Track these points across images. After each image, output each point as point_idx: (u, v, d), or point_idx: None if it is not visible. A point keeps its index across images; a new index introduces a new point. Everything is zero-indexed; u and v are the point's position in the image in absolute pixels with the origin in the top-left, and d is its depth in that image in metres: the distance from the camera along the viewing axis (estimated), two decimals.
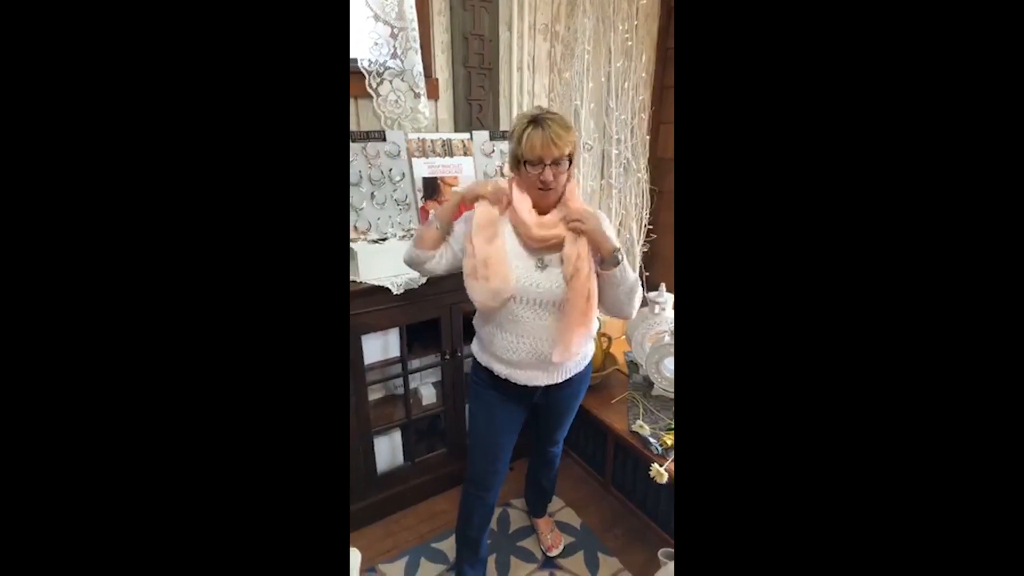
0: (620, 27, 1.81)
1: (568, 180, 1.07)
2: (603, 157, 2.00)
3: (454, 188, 1.06)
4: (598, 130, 1.94)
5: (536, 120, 0.99)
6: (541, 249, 1.05)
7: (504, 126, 1.74)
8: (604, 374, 1.75)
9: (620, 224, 2.09)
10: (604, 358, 1.78)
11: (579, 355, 1.15)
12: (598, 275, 1.05)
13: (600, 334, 1.77)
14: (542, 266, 1.06)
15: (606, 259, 1.03)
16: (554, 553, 1.49)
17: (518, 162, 1.04)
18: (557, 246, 1.04)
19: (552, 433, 1.34)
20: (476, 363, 1.20)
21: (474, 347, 1.21)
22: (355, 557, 0.66)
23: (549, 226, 1.04)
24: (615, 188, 2.02)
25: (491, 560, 1.46)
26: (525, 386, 1.12)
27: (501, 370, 1.12)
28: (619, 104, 1.91)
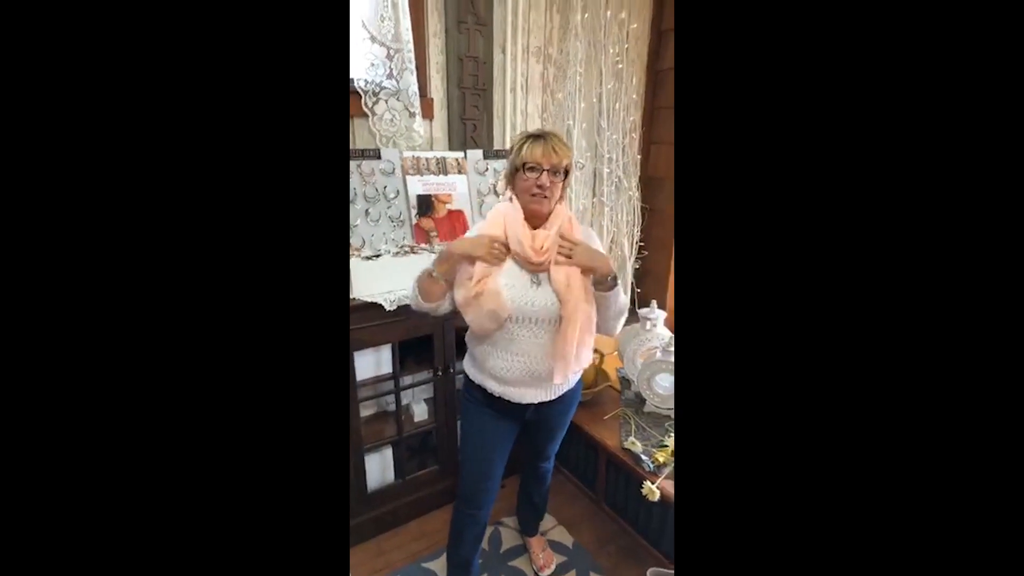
0: (611, 50, 1.86)
1: (561, 199, 1.09)
2: (595, 175, 2.03)
3: (451, 246, 1.07)
4: (590, 149, 1.97)
5: (537, 135, 1.05)
6: (539, 266, 1.06)
7: (498, 145, 1.77)
8: (596, 390, 1.75)
9: (612, 241, 2.12)
10: (596, 374, 1.78)
11: (578, 372, 1.16)
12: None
13: (592, 350, 1.77)
14: (536, 283, 1.06)
15: (600, 282, 1.05)
16: (546, 572, 1.47)
17: (515, 171, 1.06)
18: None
19: (543, 448, 1.34)
20: (469, 380, 1.20)
21: (466, 364, 1.21)
22: None
23: (544, 249, 1.05)
24: (607, 206, 2.05)
25: None
26: (518, 403, 1.13)
27: (495, 388, 1.13)
28: (610, 124, 1.95)
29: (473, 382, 1.18)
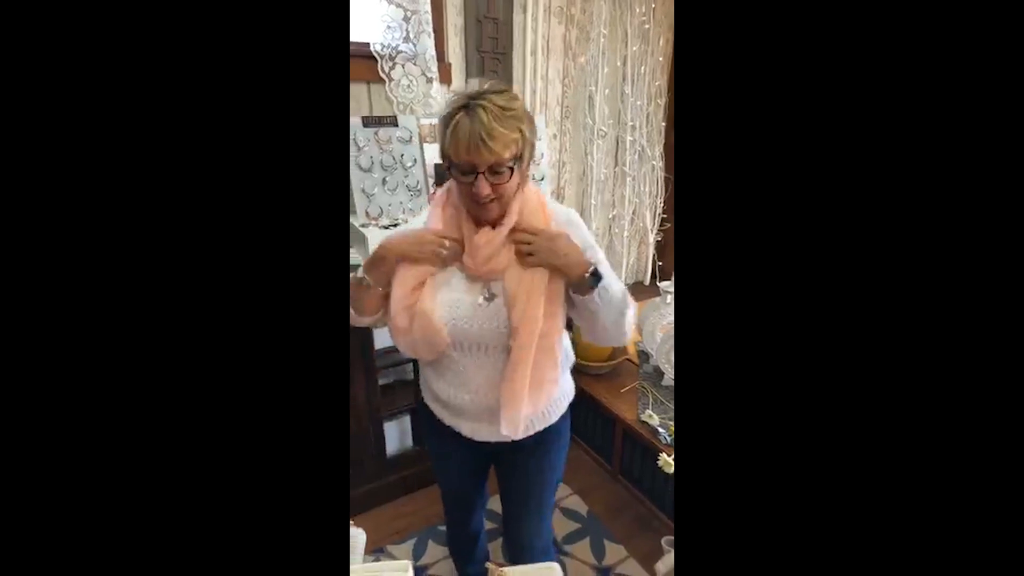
0: (637, 9, 1.77)
1: (520, 187, 0.77)
2: (617, 144, 1.97)
3: (385, 242, 0.81)
4: (613, 116, 1.91)
5: (468, 106, 0.69)
6: (487, 276, 0.79)
7: None
8: (614, 363, 1.74)
9: (634, 212, 2.07)
10: (613, 347, 1.77)
11: (534, 423, 0.87)
12: (572, 304, 0.81)
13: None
14: (488, 297, 0.79)
15: (577, 284, 0.77)
16: None
17: (446, 162, 0.75)
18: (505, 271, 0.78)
19: (519, 518, 1.00)
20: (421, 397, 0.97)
21: (421, 378, 0.95)
22: (360, 537, 0.67)
23: (492, 248, 0.76)
24: (629, 176, 1.99)
25: (496, 545, 1.48)
26: (472, 439, 0.89)
27: (444, 416, 0.89)
28: (635, 90, 1.87)
29: (424, 401, 0.94)
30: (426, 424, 0.97)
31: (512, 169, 0.73)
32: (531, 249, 0.76)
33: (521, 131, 0.72)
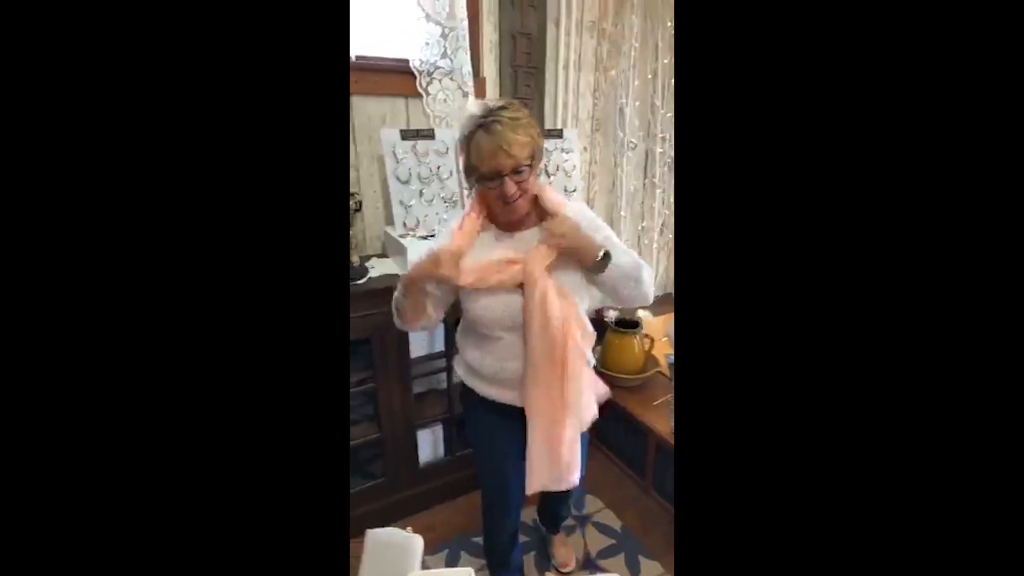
0: (668, 23, 1.78)
1: (532, 175, 0.92)
2: (647, 156, 1.98)
3: (410, 271, 0.94)
4: (643, 128, 1.91)
5: (484, 124, 0.85)
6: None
7: (548, 125, 1.74)
8: (645, 376, 1.73)
9: (663, 224, 2.06)
10: (645, 360, 1.75)
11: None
12: (593, 281, 0.96)
13: (642, 335, 1.75)
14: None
15: (591, 267, 0.92)
16: (568, 570, 1.41)
17: (471, 171, 0.91)
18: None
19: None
20: (463, 384, 1.10)
21: (456, 363, 1.10)
22: (418, 543, 0.68)
23: (501, 266, 0.91)
24: (659, 188, 1.99)
25: (530, 558, 1.46)
26: (513, 406, 1.01)
27: (486, 391, 1.02)
28: (665, 102, 1.88)
29: (466, 385, 1.07)
30: (469, 406, 1.11)
31: (530, 167, 0.88)
32: (562, 233, 0.90)
33: (531, 135, 0.87)
